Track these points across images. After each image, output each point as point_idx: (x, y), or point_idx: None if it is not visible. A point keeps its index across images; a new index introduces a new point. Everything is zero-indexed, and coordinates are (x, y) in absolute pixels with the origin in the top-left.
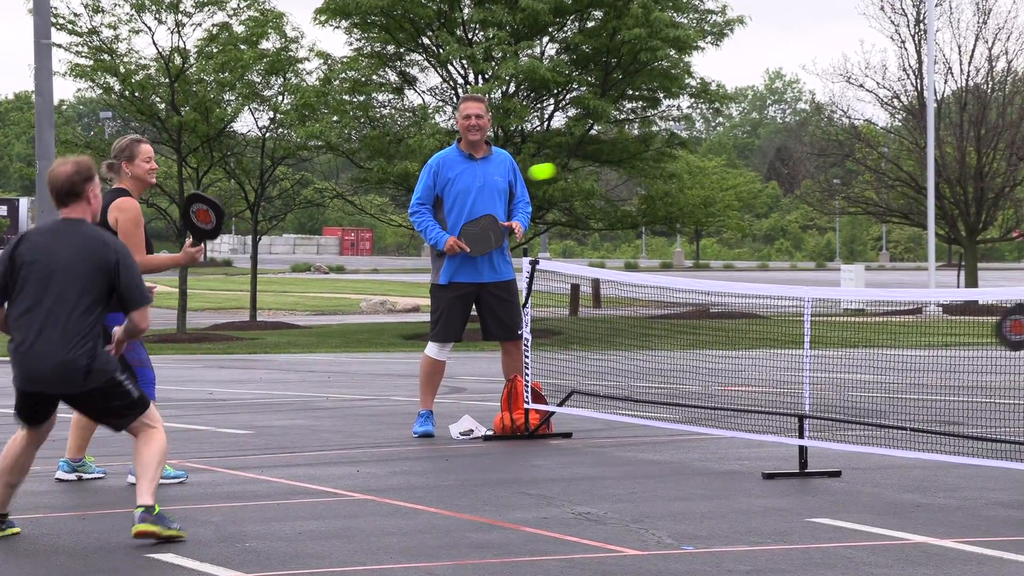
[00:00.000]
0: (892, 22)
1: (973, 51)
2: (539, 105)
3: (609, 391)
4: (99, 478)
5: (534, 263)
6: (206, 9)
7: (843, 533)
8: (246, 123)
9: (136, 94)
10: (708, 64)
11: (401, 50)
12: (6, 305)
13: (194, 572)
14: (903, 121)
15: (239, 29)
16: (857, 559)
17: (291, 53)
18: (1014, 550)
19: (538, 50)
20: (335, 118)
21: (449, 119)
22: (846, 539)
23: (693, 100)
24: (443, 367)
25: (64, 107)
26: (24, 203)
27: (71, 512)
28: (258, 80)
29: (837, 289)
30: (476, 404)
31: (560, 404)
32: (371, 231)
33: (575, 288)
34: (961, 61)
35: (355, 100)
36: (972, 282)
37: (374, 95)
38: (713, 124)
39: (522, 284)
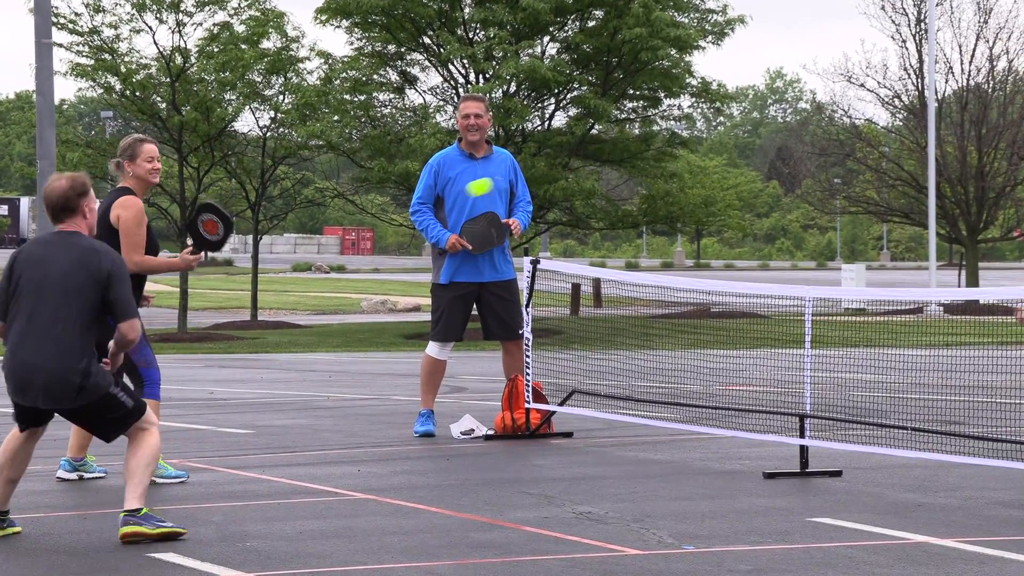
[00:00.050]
0: (893, 22)
1: (974, 50)
2: (540, 105)
3: (610, 390)
4: (100, 477)
5: (535, 262)
6: (207, 8)
7: (844, 533)
8: (247, 123)
9: (137, 93)
10: (709, 63)
11: (402, 49)
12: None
13: (195, 571)
14: (904, 121)
15: (240, 28)
16: (858, 559)
17: (292, 53)
18: (1015, 550)
19: (539, 49)
20: (336, 118)
21: (450, 119)
22: (847, 539)
23: (694, 100)
24: (444, 367)
25: (65, 107)
26: (25, 202)
27: (72, 511)
28: (259, 80)
29: (838, 289)
30: (477, 403)
31: (561, 403)
32: (372, 231)
33: (576, 288)
34: (962, 60)
35: (356, 100)
36: (973, 281)
37: (375, 95)
38: (714, 124)
39: (523, 283)
